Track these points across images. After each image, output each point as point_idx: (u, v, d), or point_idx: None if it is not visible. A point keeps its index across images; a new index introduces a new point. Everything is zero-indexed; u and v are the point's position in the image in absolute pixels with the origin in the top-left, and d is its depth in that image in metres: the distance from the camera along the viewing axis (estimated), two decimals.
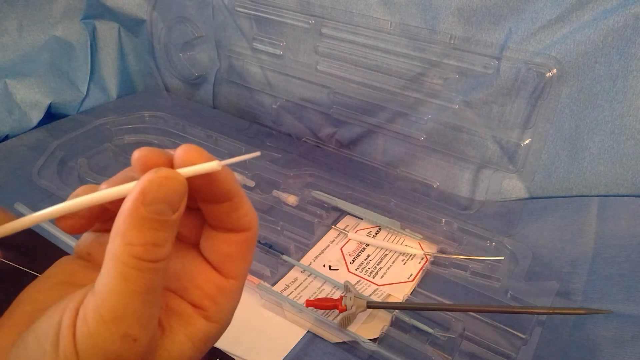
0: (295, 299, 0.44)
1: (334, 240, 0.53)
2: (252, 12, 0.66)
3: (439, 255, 0.50)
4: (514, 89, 0.52)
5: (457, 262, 0.49)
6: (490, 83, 0.53)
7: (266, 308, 0.44)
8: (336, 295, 0.45)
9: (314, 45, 0.63)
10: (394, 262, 0.50)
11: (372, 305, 0.41)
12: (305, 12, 0.61)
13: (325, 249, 0.52)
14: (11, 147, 0.65)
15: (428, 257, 0.50)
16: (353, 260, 0.50)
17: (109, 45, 0.78)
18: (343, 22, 0.59)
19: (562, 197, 0.56)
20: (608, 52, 0.48)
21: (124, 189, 0.18)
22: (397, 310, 0.42)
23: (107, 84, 0.79)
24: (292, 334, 0.42)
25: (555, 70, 0.49)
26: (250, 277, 0.45)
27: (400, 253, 0.51)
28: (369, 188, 0.59)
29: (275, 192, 0.58)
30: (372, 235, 0.53)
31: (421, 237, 0.53)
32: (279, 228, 0.52)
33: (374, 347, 0.39)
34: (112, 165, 0.63)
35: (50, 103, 0.71)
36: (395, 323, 0.42)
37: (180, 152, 0.19)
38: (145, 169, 0.18)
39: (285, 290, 0.46)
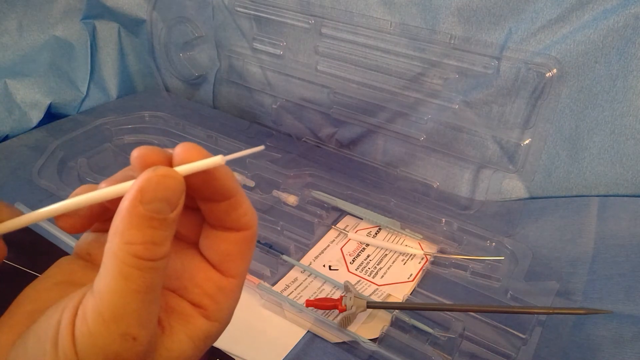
0: (295, 299, 0.44)
1: (334, 240, 0.53)
2: (252, 12, 0.66)
3: (439, 255, 0.50)
4: (514, 89, 0.52)
5: (457, 262, 0.49)
6: (490, 83, 0.53)
7: (266, 308, 0.44)
8: (336, 295, 0.45)
9: (314, 45, 0.63)
10: (394, 262, 0.50)
11: (372, 305, 0.41)
12: (305, 12, 0.61)
13: (325, 249, 0.52)
14: (11, 147, 0.65)
15: (428, 257, 0.50)
16: (353, 260, 0.50)
17: (109, 45, 0.78)
18: (343, 22, 0.59)
19: (562, 197, 0.56)
20: (608, 52, 0.48)
21: (123, 188, 0.18)
22: (397, 310, 0.42)
23: (107, 84, 0.79)
24: (292, 334, 0.42)
25: (555, 70, 0.49)
26: (250, 277, 0.45)
27: (400, 253, 0.51)
28: (369, 188, 0.59)
29: (275, 192, 0.58)
30: (372, 235, 0.53)
31: (421, 237, 0.53)
32: (279, 228, 0.52)
33: (374, 347, 0.39)
34: (112, 165, 0.63)
35: (50, 103, 0.71)
36: (395, 323, 0.42)
37: (179, 151, 0.19)
38: (144, 167, 0.18)
39: (285, 290, 0.46)
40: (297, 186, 0.59)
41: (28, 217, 0.19)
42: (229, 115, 0.78)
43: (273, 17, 0.64)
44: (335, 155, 0.68)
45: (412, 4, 0.55)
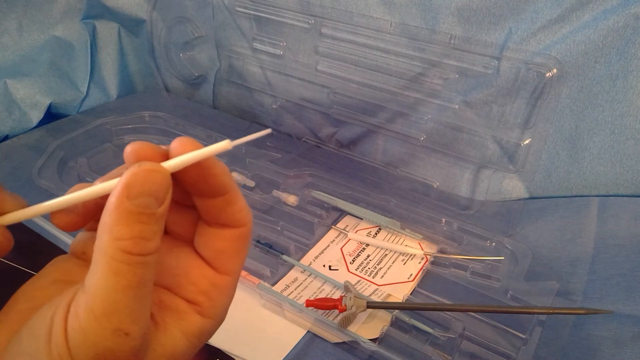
0: (295, 299, 0.44)
1: (334, 240, 0.53)
2: (252, 12, 0.66)
3: (439, 255, 0.50)
4: (514, 89, 0.52)
5: (457, 262, 0.49)
6: (490, 83, 0.53)
7: (266, 308, 0.44)
8: (336, 295, 0.45)
9: (314, 45, 0.63)
10: (394, 262, 0.50)
11: (372, 305, 0.41)
12: (305, 12, 0.61)
13: (325, 249, 0.52)
14: (11, 147, 0.65)
15: (428, 257, 0.50)
16: (353, 260, 0.50)
17: (109, 45, 0.78)
18: (343, 22, 0.59)
19: (562, 197, 0.56)
20: (608, 52, 0.48)
21: (114, 184, 0.18)
22: (397, 310, 0.42)
23: (107, 84, 0.79)
24: (292, 334, 0.42)
25: (555, 70, 0.49)
26: (250, 277, 0.45)
27: (400, 253, 0.51)
28: (369, 188, 0.59)
29: (275, 192, 0.58)
30: (372, 235, 0.53)
31: (421, 237, 0.53)
32: (279, 228, 0.52)
33: (374, 347, 0.39)
34: (112, 165, 0.62)
35: (50, 103, 0.71)
36: (395, 323, 0.42)
37: (176, 145, 0.19)
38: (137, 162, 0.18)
39: (285, 290, 0.46)
40: (297, 186, 0.59)
41: (21, 213, 0.20)
42: (229, 115, 0.78)
43: (273, 17, 0.64)
44: (335, 155, 0.68)
45: (412, 4, 0.55)
